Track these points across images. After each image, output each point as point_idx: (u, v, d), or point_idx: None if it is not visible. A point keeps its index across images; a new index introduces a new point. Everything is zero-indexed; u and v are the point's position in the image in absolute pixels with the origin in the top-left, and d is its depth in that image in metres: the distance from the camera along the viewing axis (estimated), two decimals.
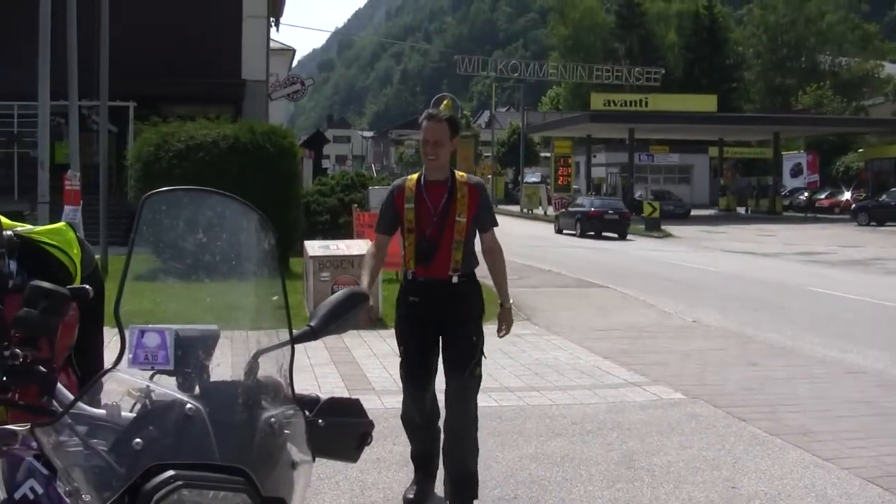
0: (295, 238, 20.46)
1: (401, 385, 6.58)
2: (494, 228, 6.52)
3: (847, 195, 65.20)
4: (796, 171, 73.19)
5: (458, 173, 6.42)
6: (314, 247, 15.65)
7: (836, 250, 33.39)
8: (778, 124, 69.36)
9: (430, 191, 6.28)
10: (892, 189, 54.44)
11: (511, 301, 6.62)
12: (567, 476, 7.23)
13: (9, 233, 2.73)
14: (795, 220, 56.53)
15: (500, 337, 6.53)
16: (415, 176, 6.45)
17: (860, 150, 70.57)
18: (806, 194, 69.45)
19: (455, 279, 6.26)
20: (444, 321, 6.29)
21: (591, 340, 13.62)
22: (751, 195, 69.59)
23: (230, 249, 2.48)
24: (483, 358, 6.40)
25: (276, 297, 2.56)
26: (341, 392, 9.77)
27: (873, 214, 51.61)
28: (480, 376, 6.39)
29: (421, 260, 6.22)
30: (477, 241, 6.49)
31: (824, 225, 51.78)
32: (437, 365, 6.44)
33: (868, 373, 11.71)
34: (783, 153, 73.44)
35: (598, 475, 7.26)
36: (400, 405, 6.62)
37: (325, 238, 20.54)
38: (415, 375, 6.41)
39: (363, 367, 11.32)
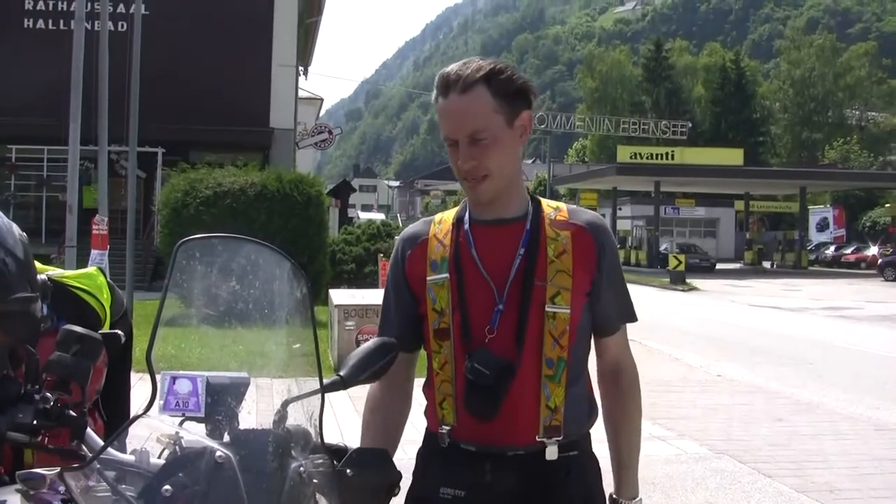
0: (320, 287, 20.54)
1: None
2: (627, 326, 3.12)
3: (874, 250, 65.01)
4: (823, 226, 73.31)
5: (549, 203, 3.02)
6: (339, 295, 15.72)
7: (862, 305, 33.18)
8: (804, 178, 69.25)
9: (482, 240, 2.92)
10: None
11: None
12: None
13: (42, 277, 2.75)
14: (822, 275, 56.25)
15: None
16: (450, 213, 3.09)
17: (887, 205, 70.44)
18: (832, 249, 69.40)
19: (552, 451, 2.85)
20: None
21: None
22: (777, 249, 69.36)
23: (263, 297, 2.49)
24: None
25: (299, 346, 2.56)
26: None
27: None
28: None
29: (473, 404, 2.81)
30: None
31: (851, 280, 51.50)
32: None
33: None
34: (810, 207, 73.47)
35: None
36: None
37: (350, 287, 20.64)
38: None
39: None
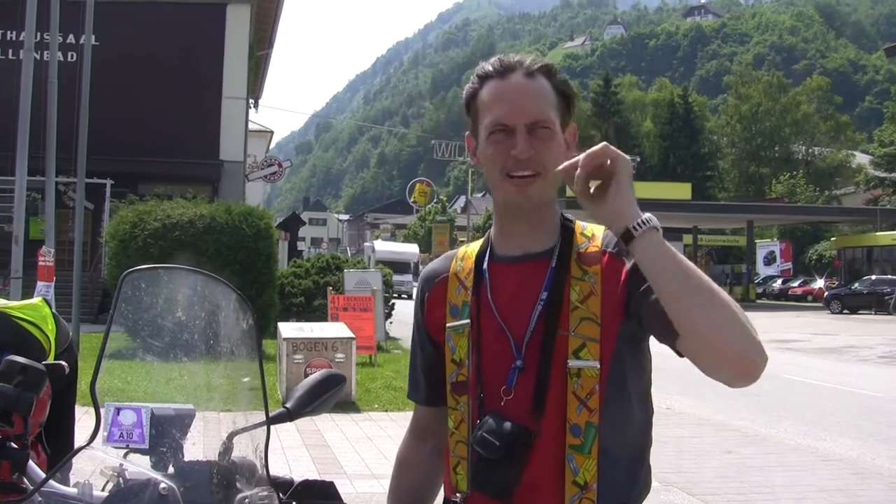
0: (269, 320, 20.45)
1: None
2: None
3: (820, 283, 65.80)
4: (770, 260, 73.98)
5: (583, 231, 2.47)
6: (288, 329, 15.66)
7: (809, 338, 33.44)
8: (751, 212, 69.94)
9: (503, 281, 2.45)
10: (865, 277, 54.81)
11: None
12: None
13: None
14: (769, 308, 56.71)
15: None
16: (475, 246, 2.62)
17: (833, 239, 71.22)
18: (779, 282, 70.07)
19: None
20: None
21: None
22: (725, 283, 69.90)
23: (208, 329, 2.47)
24: None
25: (247, 379, 2.54)
26: (312, 475, 9.68)
27: (846, 302, 51.91)
28: None
29: (482, 481, 2.32)
30: None
31: (798, 312, 51.95)
32: None
33: (842, 461, 11.67)
34: (757, 241, 74.11)
35: None
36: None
37: (299, 320, 20.54)
38: None
39: (335, 450, 11.23)
